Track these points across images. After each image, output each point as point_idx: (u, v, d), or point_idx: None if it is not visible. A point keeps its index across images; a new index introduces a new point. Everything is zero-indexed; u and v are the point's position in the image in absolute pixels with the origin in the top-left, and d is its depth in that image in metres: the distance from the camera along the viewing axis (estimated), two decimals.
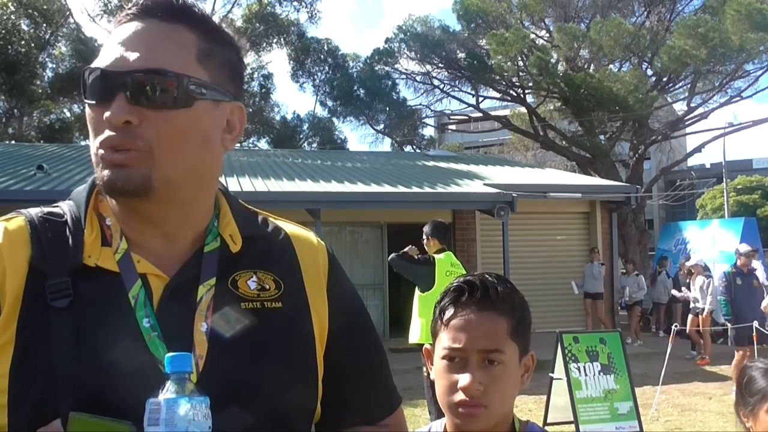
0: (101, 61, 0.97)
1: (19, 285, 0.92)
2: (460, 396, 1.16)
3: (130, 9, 0.99)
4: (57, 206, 1.04)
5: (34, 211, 1.01)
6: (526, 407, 7.75)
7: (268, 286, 1.03)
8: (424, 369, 1.33)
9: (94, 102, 0.96)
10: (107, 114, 0.93)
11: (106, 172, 0.94)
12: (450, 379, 1.18)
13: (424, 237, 6.35)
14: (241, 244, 1.04)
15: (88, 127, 0.98)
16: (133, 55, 0.94)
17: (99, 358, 0.89)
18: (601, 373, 6.25)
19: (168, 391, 0.83)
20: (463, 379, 1.16)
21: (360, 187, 11.55)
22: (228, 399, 0.89)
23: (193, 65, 0.97)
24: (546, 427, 6.86)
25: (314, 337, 1.05)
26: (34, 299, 0.92)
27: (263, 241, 1.08)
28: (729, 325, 8.75)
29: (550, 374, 6.61)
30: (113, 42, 0.98)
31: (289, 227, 1.14)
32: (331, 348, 1.07)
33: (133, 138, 0.93)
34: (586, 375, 6.21)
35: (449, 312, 1.21)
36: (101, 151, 0.94)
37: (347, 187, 11.52)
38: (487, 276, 1.25)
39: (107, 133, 0.94)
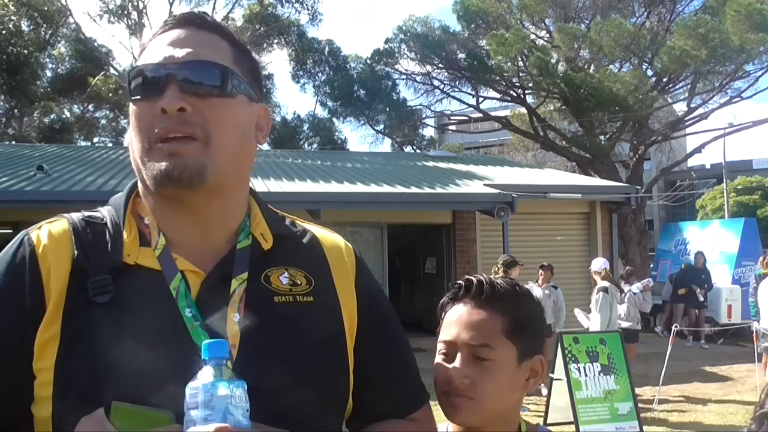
0: (147, 61, 1.03)
1: (63, 283, 0.98)
2: (447, 387, 1.18)
3: (168, 20, 1.08)
4: (97, 210, 1.10)
5: (76, 215, 1.07)
6: (526, 407, 7.75)
7: (299, 282, 1.07)
8: None
9: (142, 97, 1.01)
10: (162, 102, 0.98)
11: (162, 164, 0.98)
12: (441, 371, 1.20)
13: None
14: (272, 242, 1.09)
15: (133, 125, 1.02)
16: (181, 52, 1.02)
17: (141, 348, 0.93)
18: (601, 374, 6.25)
19: (205, 376, 0.85)
20: (452, 370, 1.18)
21: (360, 188, 11.55)
22: (259, 387, 0.90)
23: (230, 64, 1.05)
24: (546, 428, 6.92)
25: (345, 331, 1.09)
26: (77, 296, 0.97)
27: (292, 239, 1.14)
28: (754, 327, 8.61)
29: (551, 375, 6.61)
30: (157, 46, 1.05)
31: (316, 229, 1.20)
32: (361, 343, 1.10)
33: (190, 125, 0.99)
34: (586, 375, 6.21)
35: (448, 307, 1.25)
36: (159, 145, 0.99)
37: (347, 188, 11.51)
38: (499, 279, 1.26)
39: (161, 123, 0.99)
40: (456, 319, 1.21)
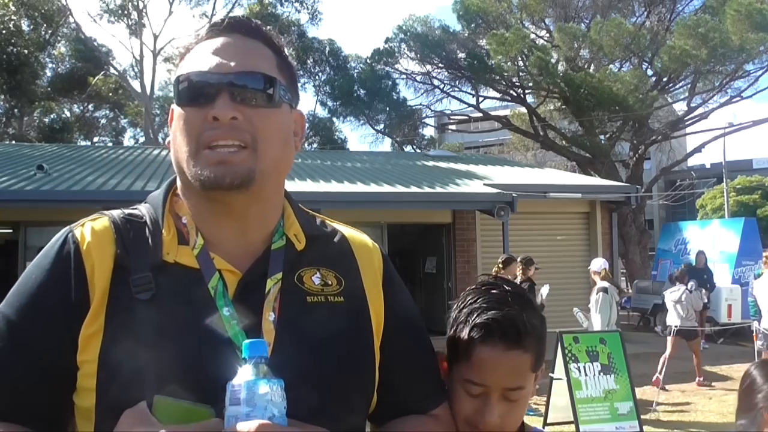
0: (197, 68, 1.05)
1: (106, 280, 1.02)
2: (477, 422, 1.18)
3: (214, 26, 1.11)
4: (136, 208, 1.13)
5: (116, 213, 1.11)
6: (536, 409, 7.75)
7: (330, 282, 1.12)
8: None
9: (192, 103, 1.04)
10: (214, 111, 1.01)
11: (212, 169, 1.01)
12: (470, 407, 1.19)
13: None
14: (305, 243, 1.14)
15: (179, 128, 1.05)
16: (231, 62, 1.05)
17: (181, 345, 0.97)
18: (601, 373, 6.25)
19: (247, 374, 0.89)
20: (484, 411, 1.17)
21: (360, 187, 11.55)
22: (293, 384, 0.93)
23: (276, 73, 1.09)
24: (546, 428, 6.84)
25: (372, 330, 1.13)
26: (120, 292, 1.01)
27: (324, 240, 1.18)
28: (754, 326, 8.60)
29: (551, 374, 6.61)
30: (204, 52, 1.07)
31: (346, 230, 1.24)
32: (387, 341, 1.14)
33: (240, 132, 1.02)
34: (586, 375, 6.21)
35: (475, 346, 1.19)
36: (206, 151, 1.02)
37: (347, 187, 11.51)
38: (512, 304, 1.20)
39: (212, 130, 1.02)
40: (489, 363, 1.18)
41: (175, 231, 1.08)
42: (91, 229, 1.07)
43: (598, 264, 8.32)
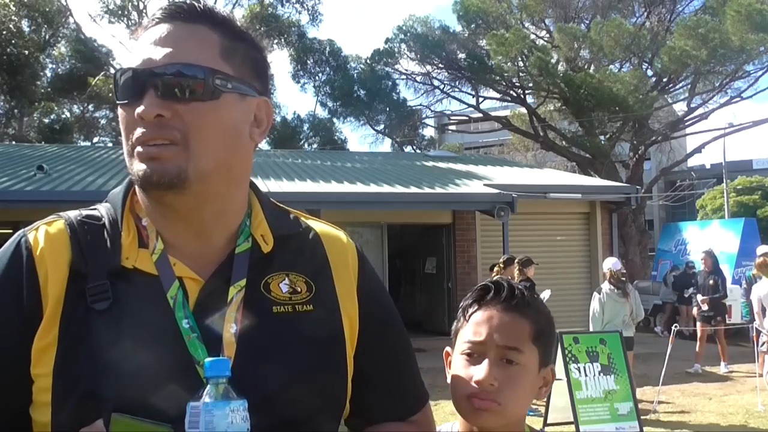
0: (131, 63, 0.99)
1: (61, 288, 0.95)
2: (473, 389, 1.15)
3: (155, 14, 1.02)
4: (95, 209, 1.06)
5: (73, 215, 1.04)
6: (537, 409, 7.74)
7: (299, 289, 1.04)
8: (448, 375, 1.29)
9: (125, 101, 0.98)
10: (139, 110, 0.94)
11: (141, 167, 0.95)
12: (465, 373, 1.17)
13: None
14: (273, 244, 1.06)
15: (121, 128, 1.00)
16: (160, 54, 0.97)
17: (139, 358, 0.91)
18: (601, 374, 6.25)
19: (207, 395, 0.85)
20: (479, 371, 1.15)
21: (360, 188, 11.56)
22: (255, 402, 0.89)
23: (217, 61, 0.99)
24: (546, 428, 6.82)
25: (345, 339, 1.06)
26: (75, 302, 0.95)
27: (295, 240, 1.09)
28: (755, 327, 8.53)
29: None
30: (141, 45, 1.00)
31: (319, 226, 1.16)
32: (362, 348, 1.08)
33: (168, 129, 0.95)
34: (586, 375, 6.21)
35: (473, 308, 1.21)
36: (138, 148, 0.96)
37: (347, 188, 11.52)
38: (516, 283, 1.25)
39: (140, 129, 0.95)
40: (486, 321, 1.18)
41: (135, 233, 1.01)
42: (45, 233, 0.99)
43: (607, 264, 8.29)
